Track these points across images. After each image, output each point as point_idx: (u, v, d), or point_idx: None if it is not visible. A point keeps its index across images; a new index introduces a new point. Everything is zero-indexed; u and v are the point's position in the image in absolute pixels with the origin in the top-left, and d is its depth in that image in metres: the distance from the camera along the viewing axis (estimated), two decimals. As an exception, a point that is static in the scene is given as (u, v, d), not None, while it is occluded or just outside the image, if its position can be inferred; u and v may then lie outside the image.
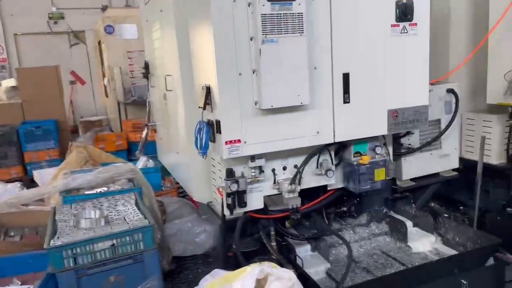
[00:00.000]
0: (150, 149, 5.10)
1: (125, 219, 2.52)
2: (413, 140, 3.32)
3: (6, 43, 11.00)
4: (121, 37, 8.16)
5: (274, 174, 2.69)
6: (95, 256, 2.23)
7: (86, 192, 3.07)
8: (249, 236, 3.15)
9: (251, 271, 1.91)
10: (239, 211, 2.68)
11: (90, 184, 3.23)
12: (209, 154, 2.89)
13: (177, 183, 4.74)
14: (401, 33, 2.68)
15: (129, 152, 7.30)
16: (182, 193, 4.97)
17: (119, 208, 2.70)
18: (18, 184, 4.84)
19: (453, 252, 3.14)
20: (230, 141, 2.40)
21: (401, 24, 2.66)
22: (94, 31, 9.94)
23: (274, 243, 2.99)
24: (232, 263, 3.09)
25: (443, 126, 3.39)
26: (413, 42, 2.72)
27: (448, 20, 3.74)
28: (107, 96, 9.23)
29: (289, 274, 1.93)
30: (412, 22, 2.67)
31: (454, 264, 2.90)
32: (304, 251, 3.12)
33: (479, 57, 3.52)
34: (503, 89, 3.36)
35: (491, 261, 3.04)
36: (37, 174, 5.13)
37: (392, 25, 2.65)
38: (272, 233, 2.97)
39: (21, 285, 2.39)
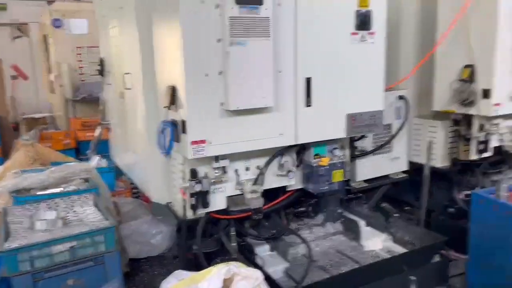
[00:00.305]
0: (102, 148, 4.94)
1: (84, 221, 2.44)
2: (367, 143, 3.49)
3: None
4: (70, 32, 7.83)
5: (237, 175, 2.72)
6: (53, 259, 2.15)
7: (39, 193, 2.93)
8: (208, 237, 3.16)
9: (218, 271, 1.93)
10: (201, 212, 2.68)
11: (42, 184, 3.08)
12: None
13: (132, 183, 4.64)
14: (360, 41, 2.81)
15: (77, 151, 7.00)
16: (136, 194, 4.87)
17: (77, 209, 2.62)
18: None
19: (402, 250, 3.33)
20: (196, 142, 2.40)
21: (360, 33, 2.79)
22: (40, 24, 9.44)
23: (234, 244, 3.02)
24: (192, 264, 3.09)
25: (393, 130, 3.59)
26: (371, 50, 2.86)
27: (398, 31, 3.95)
28: (52, 92, 8.81)
29: (255, 273, 1.97)
30: (370, 31, 2.81)
31: (404, 262, 3.08)
32: (263, 251, 3.18)
33: (424, 66, 3.76)
34: (448, 97, 3.62)
35: (436, 257, 3.26)
36: (-23, 174, 4.79)
37: (352, 33, 2.78)
38: (233, 233, 3.00)
39: (-32, 291, 2.24)
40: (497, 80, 3.32)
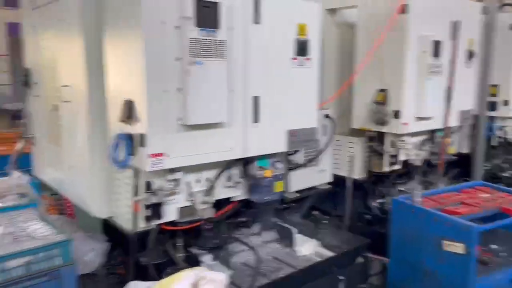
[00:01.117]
0: (21, 163, 4.64)
1: (33, 235, 2.38)
2: (298, 157, 3.82)
3: None
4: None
5: (189, 187, 2.84)
6: (7, 275, 2.07)
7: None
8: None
9: (187, 275, 2.04)
10: (154, 223, 2.75)
11: (-30, 201, 2.89)
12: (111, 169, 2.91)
13: (59, 199, 4.43)
14: (298, 65, 3.14)
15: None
16: (61, 211, 4.64)
17: (21, 225, 2.52)
18: None
19: (330, 253, 3.69)
20: (155, 154, 2.49)
21: (299, 58, 3.13)
22: None
23: (180, 254, 3.11)
24: (139, 277, 3.10)
25: (321, 145, 3.98)
26: (307, 74, 3.21)
27: (322, 58, 4.41)
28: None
29: (220, 277, 2.12)
30: (307, 57, 3.16)
31: (333, 263, 3.44)
32: (206, 261, 3.30)
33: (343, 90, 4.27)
34: (365, 117, 4.15)
35: (359, 258, 3.67)
36: None
37: (292, 58, 3.10)
38: (180, 244, 3.09)
39: None
40: (405, 102, 3.90)
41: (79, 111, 3.17)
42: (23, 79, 4.15)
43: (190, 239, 3.27)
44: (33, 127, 4.22)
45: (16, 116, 7.44)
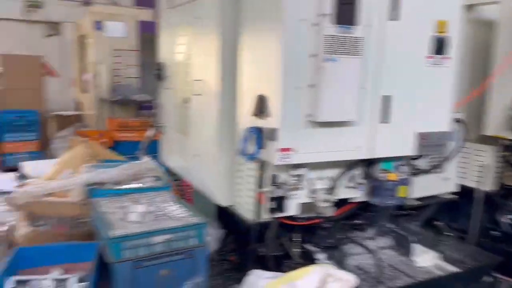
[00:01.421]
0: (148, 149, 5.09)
1: (171, 216, 2.58)
2: (422, 162, 3.61)
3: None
4: (109, 34, 8.08)
5: (311, 184, 2.85)
6: (151, 249, 2.28)
7: (117, 187, 3.07)
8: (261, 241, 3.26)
9: (315, 271, 2.05)
10: (277, 216, 2.81)
11: (113, 180, 3.22)
12: (235, 160, 3.02)
13: (179, 185, 4.77)
14: (433, 64, 2.96)
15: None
16: (181, 195, 4.99)
17: (159, 205, 2.75)
18: (12, 175, 4.66)
19: (453, 268, 3.43)
20: (284, 149, 2.54)
21: (435, 57, 2.95)
22: (76, 24, 9.69)
23: (297, 249, 3.14)
24: (253, 266, 3.20)
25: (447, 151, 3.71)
26: (443, 74, 3.01)
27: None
28: (84, 92, 9.01)
29: (348, 277, 2.09)
30: (445, 56, 2.96)
31: (458, 279, 3.18)
32: (320, 259, 3.28)
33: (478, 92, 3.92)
34: (501, 123, 3.76)
35: (487, 277, 3.36)
36: (28, 166, 4.95)
37: (427, 57, 2.93)
38: (298, 239, 3.12)
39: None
40: (553, 110, 3.46)
41: (210, 104, 3.36)
42: (156, 73, 4.54)
43: (305, 236, 3.29)
44: (163, 117, 4.59)
45: (142, 107, 8.21)
